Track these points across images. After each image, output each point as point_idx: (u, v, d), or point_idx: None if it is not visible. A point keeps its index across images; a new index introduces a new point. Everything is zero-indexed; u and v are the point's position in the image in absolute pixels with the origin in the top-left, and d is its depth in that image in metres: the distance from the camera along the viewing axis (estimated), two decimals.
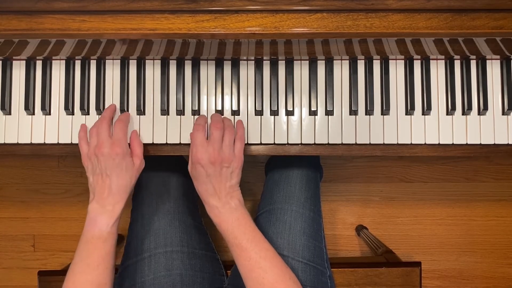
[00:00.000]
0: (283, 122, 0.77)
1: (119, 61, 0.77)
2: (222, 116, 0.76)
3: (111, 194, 0.69)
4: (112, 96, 0.77)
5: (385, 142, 0.76)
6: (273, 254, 0.69)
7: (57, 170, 1.47)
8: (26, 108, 0.77)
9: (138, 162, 0.72)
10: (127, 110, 0.77)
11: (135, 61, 0.77)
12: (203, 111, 0.77)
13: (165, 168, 0.91)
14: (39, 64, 0.77)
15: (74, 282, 0.66)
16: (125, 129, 0.72)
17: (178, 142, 0.77)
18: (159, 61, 0.77)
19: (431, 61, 0.77)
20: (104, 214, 0.68)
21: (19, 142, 0.77)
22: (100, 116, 0.75)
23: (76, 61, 0.78)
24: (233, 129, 0.73)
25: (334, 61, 0.77)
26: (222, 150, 0.70)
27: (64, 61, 0.78)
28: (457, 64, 0.77)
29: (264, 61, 0.77)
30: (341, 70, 0.77)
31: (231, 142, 0.71)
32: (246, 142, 0.76)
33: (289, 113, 0.77)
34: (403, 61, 0.78)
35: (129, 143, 0.74)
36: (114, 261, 0.70)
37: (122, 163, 0.69)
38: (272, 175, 0.92)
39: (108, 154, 0.68)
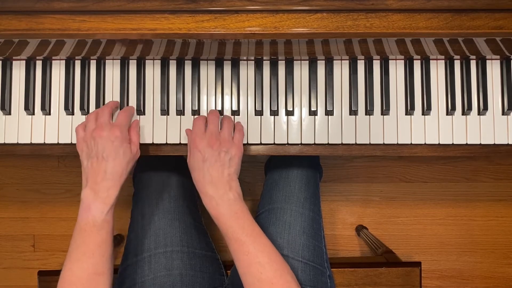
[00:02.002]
0: (283, 122, 0.77)
1: (119, 61, 0.77)
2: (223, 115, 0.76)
3: (105, 179, 0.67)
4: (112, 96, 0.77)
5: (385, 142, 0.76)
6: (271, 250, 0.68)
7: (57, 170, 1.47)
8: (26, 108, 0.77)
9: (135, 150, 0.71)
10: None
11: (135, 61, 0.77)
12: (203, 111, 0.77)
13: (165, 168, 0.91)
14: (39, 64, 0.77)
15: (71, 269, 0.65)
16: (129, 118, 0.72)
17: (178, 142, 0.77)
18: (159, 61, 0.77)
19: (431, 61, 0.77)
20: (97, 201, 0.66)
21: (19, 142, 0.77)
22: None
23: (76, 61, 0.78)
24: (231, 120, 0.74)
25: (334, 61, 0.77)
26: (220, 135, 0.71)
27: (64, 61, 0.78)
28: (457, 64, 0.77)
29: (264, 61, 0.77)
30: (341, 70, 0.77)
31: (230, 131, 0.72)
32: (246, 142, 0.77)
33: (289, 113, 0.77)
34: (403, 61, 0.78)
35: None
36: (111, 249, 0.67)
37: (120, 148, 0.68)
38: (272, 175, 0.92)
39: (107, 136, 0.67)
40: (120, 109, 0.76)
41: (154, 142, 0.77)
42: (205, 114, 0.77)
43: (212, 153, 0.68)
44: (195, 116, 0.77)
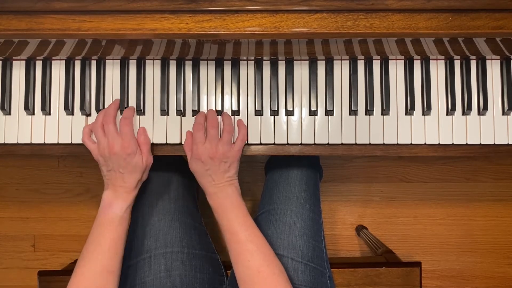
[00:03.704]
0: (283, 122, 0.77)
1: (119, 61, 0.77)
2: (224, 112, 0.77)
3: (124, 186, 0.73)
4: (112, 96, 0.77)
5: (385, 142, 0.76)
6: (262, 241, 0.71)
7: (57, 170, 1.47)
8: (26, 108, 0.77)
9: (146, 159, 0.75)
10: None
11: (135, 61, 0.77)
12: (203, 111, 0.77)
13: (165, 168, 0.91)
14: (39, 64, 0.77)
15: (85, 266, 0.69)
16: (132, 127, 0.74)
17: (178, 142, 0.77)
18: (159, 61, 0.77)
19: (431, 61, 0.77)
20: (119, 199, 0.73)
21: (19, 142, 0.77)
22: (102, 111, 0.75)
23: (76, 61, 0.78)
24: (232, 127, 0.75)
25: (334, 61, 0.77)
26: (220, 147, 0.73)
27: (64, 61, 0.78)
28: (457, 64, 0.77)
29: (264, 61, 0.77)
30: (341, 70, 0.77)
31: (229, 140, 0.74)
32: (246, 142, 0.77)
33: (289, 113, 0.77)
34: (403, 61, 0.78)
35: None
36: (123, 248, 0.73)
37: (132, 162, 0.72)
38: (272, 175, 0.92)
39: (120, 154, 0.71)
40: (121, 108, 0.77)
41: (154, 142, 0.77)
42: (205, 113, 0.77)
43: (213, 163, 0.73)
44: (195, 116, 0.77)
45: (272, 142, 0.77)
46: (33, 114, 0.77)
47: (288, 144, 0.77)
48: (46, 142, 0.77)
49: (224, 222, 0.73)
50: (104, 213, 0.72)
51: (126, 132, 0.72)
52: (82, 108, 0.77)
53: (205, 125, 0.75)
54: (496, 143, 0.76)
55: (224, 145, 0.73)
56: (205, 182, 0.75)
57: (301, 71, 0.77)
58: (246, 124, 0.77)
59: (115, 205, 0.72)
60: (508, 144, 0.76)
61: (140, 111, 0.77)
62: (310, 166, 0.91)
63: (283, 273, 0.69)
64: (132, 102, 0.77)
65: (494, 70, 0.77)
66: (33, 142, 0.77)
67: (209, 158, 0.73)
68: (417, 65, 0.77)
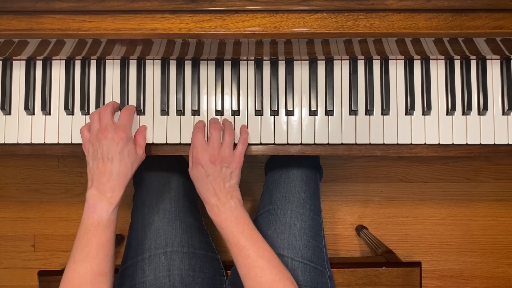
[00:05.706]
0: (283, 122, 0.77)
1: (119, 61, 0.77)
2: (223, 118, 0.77)
3: (111, 180, 0.68)
4: (112, 96, 0.77)
5: (385, 142, 0.76)
6: (271, 254, 0.69)
7: (57, 170, 1.47)
8: (26, 108, 0.77)
9: (141, 152, 0.73)
10: None
11: (135, 61, 0.77)
12: (203, 111, 0.77)
13: (165, 168, 0.91)
14: (39, 64, 0.77)
15: (75, 270, 0.66)
16: (131, 117, 0.73)
17: (178, 142, 0.77)
18: (159, 61, 0.77)
19: (431, 61, 0.77)
20: (103, 201, 0.68)
21: (19, 142, 0.77)
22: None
23: (76, 61, 0.78)
24: (233, 130, 0.74)
25: (334, 61, 0.77)
26: (221, 150, 0.71)
27: (64, 61, 0.78)
28: (457, 64, 0.77)
29: (264, 61, 0.77)
30: (341, 70, 0.77)
31: (231, 143, 0.73)
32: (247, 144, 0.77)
33: (289, 113, 0.77)
34: (403, 61, 0.78)
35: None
36: (113, 249, 0.69)
37: (124, 148, 0.69)
38: (272, 175, 0.92)
39: (112, 138, 0.68)
40: (121, 109, 0.77)
41: (154, 142, 0.77)
42: (205, 115, 0.77)
43: (214, 168, 0.70)
44: (195, 117, 0.77)
45: (272, 142, 0.77)
46: (33, 114, 0.77)
47: (288, 144, 0.77)
48: (46, 142, 0.77)
49: (229, 237, 0.70)
50: (88, 217, 0.68)
51: (124, 119, 0.71)
52: (82, 108, 0.77)
53: (205, 130, 0.74)
54: (496, 143, 0.76)
55: (226, 148, 0.72)
56: (205, 191, 0.72)
57: (301, 71, 0.77)
58: (246, 124, 0.77)
59: (100, 208, 0.67)
60: (508, 144, 0.76)
61: (140, 111, 0.77)
62: (310, 166, 0.91)
63: (294, 284, 0.68)
64: (132, 102, 0.77)
65: (494, 70, 0.77)
66: (33, 142, 0.77)
67: (210, 162, 0.70)
68: (417, 65, 0.77)
